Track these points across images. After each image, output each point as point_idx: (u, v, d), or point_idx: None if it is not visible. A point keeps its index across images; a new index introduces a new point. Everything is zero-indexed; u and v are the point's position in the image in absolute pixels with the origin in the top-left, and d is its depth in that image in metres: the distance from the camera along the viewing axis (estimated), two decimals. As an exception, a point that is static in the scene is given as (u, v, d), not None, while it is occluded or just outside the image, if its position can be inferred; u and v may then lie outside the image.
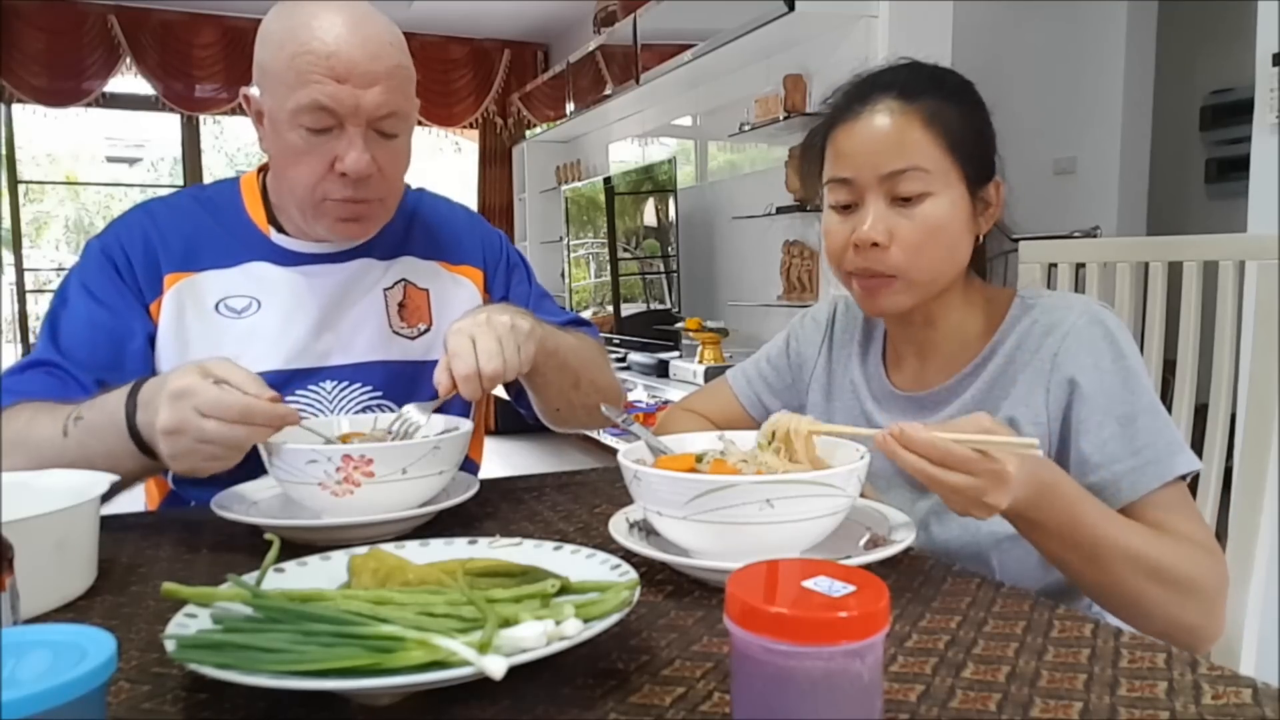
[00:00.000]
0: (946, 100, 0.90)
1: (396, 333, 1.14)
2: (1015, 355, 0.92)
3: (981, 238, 0.95)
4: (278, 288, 1.10)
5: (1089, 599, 0.84)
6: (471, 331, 0.92)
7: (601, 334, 1.34)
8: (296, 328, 1.09)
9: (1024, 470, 0.71)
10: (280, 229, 1.13)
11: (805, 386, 1.11)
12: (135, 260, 1.08)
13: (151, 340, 1.06)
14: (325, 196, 1.02)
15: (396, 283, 1.16)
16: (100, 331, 1.04)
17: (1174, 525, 0.81)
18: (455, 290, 1.19)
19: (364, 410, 1.09)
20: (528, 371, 1.03)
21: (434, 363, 1.13)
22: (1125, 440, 0.83)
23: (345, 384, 1.10)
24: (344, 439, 0.91)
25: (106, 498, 0.78)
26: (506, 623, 0.51)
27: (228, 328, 1.07)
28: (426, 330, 1.16)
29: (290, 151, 1.00)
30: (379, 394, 1.10)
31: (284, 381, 1.06)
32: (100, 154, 8.73)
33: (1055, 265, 1.31)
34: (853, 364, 1.06)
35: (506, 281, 1.25)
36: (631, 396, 4.18)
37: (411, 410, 0.95)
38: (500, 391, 1.23)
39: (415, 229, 1.20)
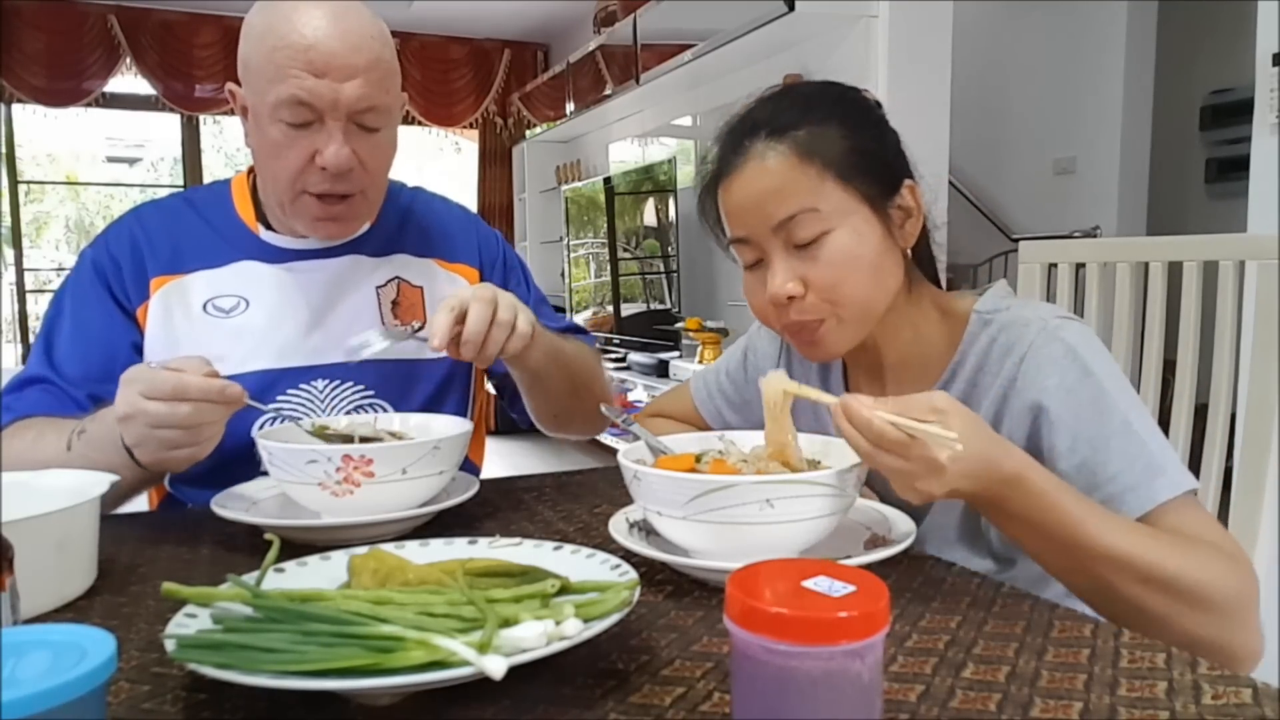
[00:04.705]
0: (820, 124, 0.83)
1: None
2: (977, 379, 0.86)
3: (909, 251, 0.88)
4: (266, 286, 1.09)
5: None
6: (490, 288, 0.94)
7: (602, 334, 1.33)
8: (286, 325, 1.09)
9: (972, 461, 0.66)
10: (269, 227, 1.12)
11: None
12: (124, 266, 1.08)
13: (138, 349, 1.06)
14: (304, 189, 1.02)
15: (390, 280, 1.15)
16: (92, 346, 1.05)
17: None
18: (450, 288, 1.18)
19: (356, 410, 1.09)
20: (529, 373, 1.02)
21: (428, 362, 1.13)
22: (1099, 466, 0.77)
23: (337, 383, 1.09)
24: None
25: (105, 508, 0.78)
26: (506, 623, 0.51)
27: (216, 328, 1.07)
28: (420, 328, 1.15)
29: (271, 145, 1.00)
30: (371, 393, 1.10)
31: (274, 380, 1.06)
32: (100, 154, 8.72)
33: (1055, 265, 1.31)
34: (813, 380, 1.01)
35: (504, 282, 1.24)
36: (631, 396, 4.18)
37: (373, 335, 0.95)
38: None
39: (410, 226, 1.20)
